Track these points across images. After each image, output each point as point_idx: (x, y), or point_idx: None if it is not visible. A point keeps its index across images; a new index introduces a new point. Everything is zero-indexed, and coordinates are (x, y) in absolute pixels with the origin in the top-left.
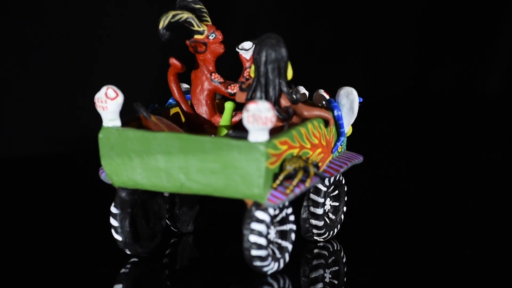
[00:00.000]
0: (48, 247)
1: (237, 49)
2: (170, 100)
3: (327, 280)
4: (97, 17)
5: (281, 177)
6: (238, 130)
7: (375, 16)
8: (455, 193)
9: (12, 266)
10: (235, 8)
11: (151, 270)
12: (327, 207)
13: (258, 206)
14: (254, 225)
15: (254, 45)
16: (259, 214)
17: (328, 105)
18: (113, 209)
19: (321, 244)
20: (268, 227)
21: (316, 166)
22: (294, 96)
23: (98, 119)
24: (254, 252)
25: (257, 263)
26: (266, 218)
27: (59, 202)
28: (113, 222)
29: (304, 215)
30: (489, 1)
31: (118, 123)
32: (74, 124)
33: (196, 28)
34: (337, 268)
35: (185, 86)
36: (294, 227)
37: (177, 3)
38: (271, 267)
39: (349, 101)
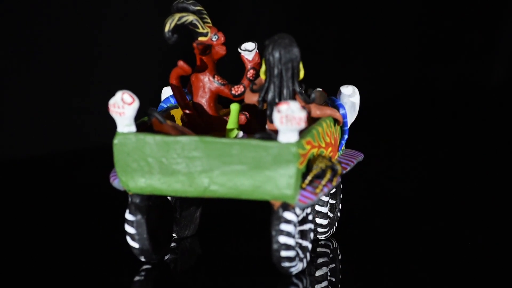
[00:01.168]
0: (54, 253)
1: (239, 50)
2: (162, 104)
3: (333, 279)
4: (97, 17)
5: (310, 177)
6: (262, 132)
7: (376, 15)
8: (458, 190)
9: (18, 271)
10: (234, 9)
11: (166, 276)
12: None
13: (286, 207)
14: (283, 226)
15: (266, 46)
16: (287, 215)
17: (333, 104)
18: (129, 216)
19: (322, 242)
20: (296, 227)
21: (340, 164)
22: (309, 95)
23: (98, 119)
24: (284, 253)
25: (286, 264)
26: (294, 218)
27: (62, 205)
28: (129, 229)
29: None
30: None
31: (133, 128)
32: (74, 124)
33: (200, 30)
34: (340, 265)
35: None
36: (312, 226)
37: (174, 6)
38: (298, 267)
39: (351, 100)
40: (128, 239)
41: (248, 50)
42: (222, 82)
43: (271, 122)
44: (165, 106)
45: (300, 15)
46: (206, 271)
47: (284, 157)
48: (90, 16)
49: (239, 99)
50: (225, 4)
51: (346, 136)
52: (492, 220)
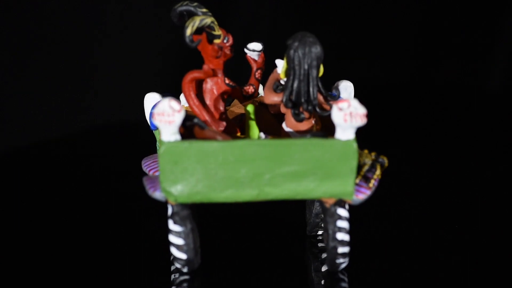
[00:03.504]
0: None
1: (245, 50)
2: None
3: (340, 275)
4: (97, 17)
5: (362, 172)
6: (312, 132)
7: (376, 14)
8: (456, 190)
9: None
10: (233, 9)
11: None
12: None
13: (340, 203)
14: (340, 223)
15: (289, 44)
16: (342, 212)
17: (332, 98)
18: (175, 227)
19: (320, 238)
20: (349, 223)
21: (385, 157)
22: (336, 92)
23: (96, 121)
24: (341, 250)
25: (340, 260)
26: (347, 214)
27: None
28: (177, 240)
29: (316, 209)
30: None
31: (178, 136)
32: (74, 125)
33: (216, 32)
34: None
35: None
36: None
37: (177, 9)
38: (346, 263)
39: (346, 94)
40: (174, 250)
41: (257, 51)
42: (232, 84)
43: (299, 121)
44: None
45: (300, 15)
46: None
47: (345, 154)
48: (90, 17)
49: (249, 100)
50: (223, 4)
51: None
52: (493, 216)
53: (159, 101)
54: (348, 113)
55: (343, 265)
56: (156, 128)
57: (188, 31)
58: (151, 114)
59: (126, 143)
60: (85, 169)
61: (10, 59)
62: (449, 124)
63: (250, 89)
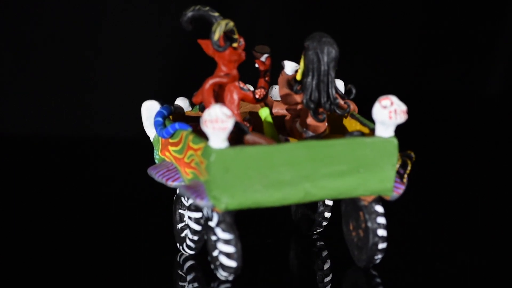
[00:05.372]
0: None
1: (253, 52)
2: (158, 118)
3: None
4: (97, 17)
5: (396, 168)
6: (352, 131)
7: (375, 17)
8: (454, 194)
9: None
10: (233, 8)
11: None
12: None
13: (377, 200)
14: (380, 220)
15: (307, 45)
16: (379, 208)
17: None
18: (225, 235)
19: (315, 236)
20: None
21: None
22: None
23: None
24: (381, 246)
25: (378, 256)
26: (383, 210)
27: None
28: (228, 248)
29: (320, 208)
30: (490, 2)
31: (227, 142)
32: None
33: (236, 36)
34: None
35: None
36: None
37: (190, 14)
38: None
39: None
40: (224, 259)
41: (267, 53)
42: (246, 88)
43: (320, 121)
44: (161, 120)
45: (300, 15)
46: None
47: (387, 151)
48: (90, 17)
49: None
50: (225, 4)
51: None
52: (492, 221)
53: (210, 108)
54: (393, 111)
55: (377, 261)
56: (167, 136)
57: (216, 36)
58: (178, 123)
59: (126, 143)
60: (82, 170)
61: (10, 59)
62: (448, 128)
63: (262, 92)
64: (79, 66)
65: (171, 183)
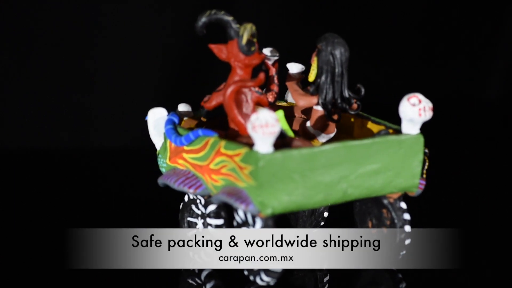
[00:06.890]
0: None
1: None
2: (169, 126)
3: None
4: (96, 18)
5: None
6: (379, 131)
7: (374, 20)
8: (454, 198)
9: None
10: (235, 8)
11: None
12: None
13: (401, 197)
14: (406, 216)
15: (320, 46)
16: (403, 205)
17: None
18: None
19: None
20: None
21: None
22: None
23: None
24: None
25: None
26: (406, 206)
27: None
28: None
29: (320, 208)
30: (489, 4)
31: (272, 147)
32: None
33: (255, 39)
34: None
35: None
36: None
37: (205, 19)
38: None
39: None
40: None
41: (277, 56)
42: (261, 91)
43: (335, 121)
44: (173, 127)
45: (300, 15)
46: None
47: (415, 148)
48: (89, 17)
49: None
50: (225, 4)
51: None
52: (492, 223)
53: (258, 112)
54: (422, 108)
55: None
56: (187, 143)
57: (245, 39)
58: (202, 130)
59: (125, 144)
60: (82, 171)
61: (9, 60)
62: (447, 132)
63: (273, 95)
64: (76, 70)
65: (194, 191)
